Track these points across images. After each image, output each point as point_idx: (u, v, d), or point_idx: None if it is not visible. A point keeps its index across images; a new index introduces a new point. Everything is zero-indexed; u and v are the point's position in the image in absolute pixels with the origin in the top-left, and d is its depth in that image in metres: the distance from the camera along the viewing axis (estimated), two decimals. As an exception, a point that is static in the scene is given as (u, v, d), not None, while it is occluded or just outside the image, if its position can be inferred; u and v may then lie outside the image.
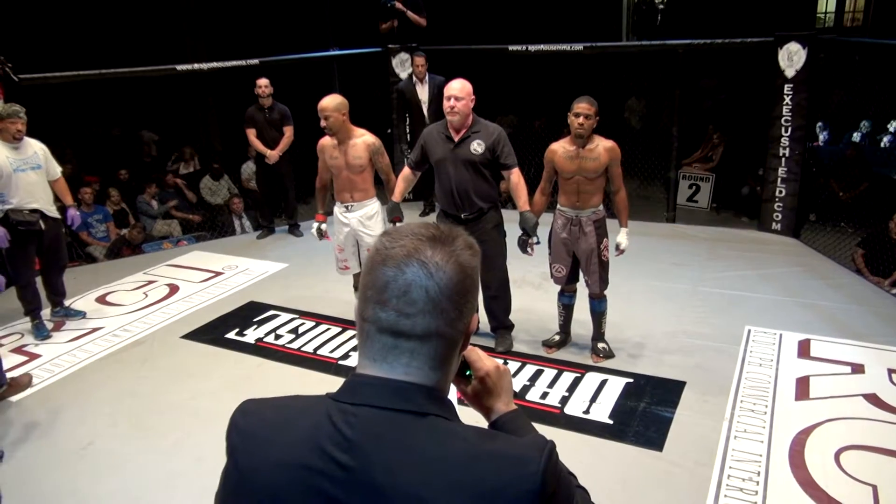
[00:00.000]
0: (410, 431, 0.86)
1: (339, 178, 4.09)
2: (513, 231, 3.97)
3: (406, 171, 4.06)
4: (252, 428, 0.94)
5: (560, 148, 3.77)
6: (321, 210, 4.36)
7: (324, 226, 4.32)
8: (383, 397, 0.88)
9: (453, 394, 1.08)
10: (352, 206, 4.12)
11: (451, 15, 8.28)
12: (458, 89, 3.69)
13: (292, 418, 0.92)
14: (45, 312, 4.71)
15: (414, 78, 6.42)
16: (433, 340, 0.90)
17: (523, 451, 0.86)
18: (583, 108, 3.60)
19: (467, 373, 1.07)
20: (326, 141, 4.05)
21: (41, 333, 4.53)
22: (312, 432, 0.88)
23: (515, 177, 3.83)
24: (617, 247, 3.85)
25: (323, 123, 3.90)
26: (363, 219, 4.13)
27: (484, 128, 3.79)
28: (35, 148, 4.42)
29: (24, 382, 3.91)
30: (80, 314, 4.85)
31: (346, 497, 0.85)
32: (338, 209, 4.18)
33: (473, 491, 0.82)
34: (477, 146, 3.74)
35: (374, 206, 4.17)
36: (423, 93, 6.41)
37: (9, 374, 3.89)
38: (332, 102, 3.91)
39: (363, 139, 3.99)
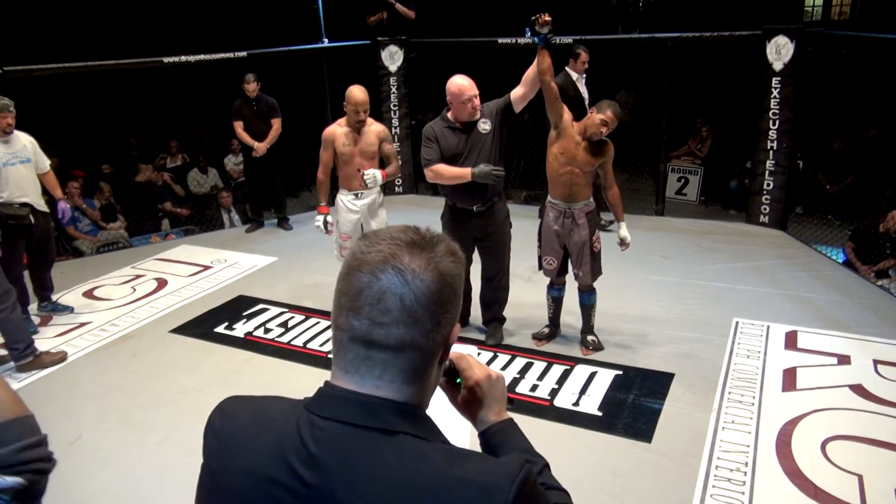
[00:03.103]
0: (377, 451, 0.82)
1: (349, 166, 4.16)
2: (515, 223, 4.01)
3: (440, 165, 3.77)
4: (226, 431, 0.92)
5: (573, 129, 3.73)
6: (325, 201, 4.34)
7: (329, 217, 4.32)
8: (351, 412, 0.84)
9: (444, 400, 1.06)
10: (362, 193, 4.20)
11: (440, 7, 8.26)
12: (472, 86, 3.67)
13: (264, 425, 0.89)
14: (32, 307, 4.67)
15: (575, 73, 5.83)
16: (407, 352, 0.84)
17: (493, 478, 0.80)
18: (610, 119, 3.60)
19: (457, 381, 1.03)
20: (336, 129, 4.12)
21: (60, 308, 4.73)
22: (280, 443, 0.85)
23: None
24: (622, 241, 3.85)
25: (362, 117, 4.05)
26: (373, 206, 4.24)
27: (482, 108, 3.77)
28: (24, 141, 4.38)
29: (56, 358, 4.04)
30: (69, 309, 4.81)
31: None
32: (346, 197, 4.24)
33: None
34: (484, 125, 3.72)
35: (380, 194, 4.33)
36: (583, 88, 5.95)
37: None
38: (366, 95, 4.07)
39: (373, 127, 4.17)
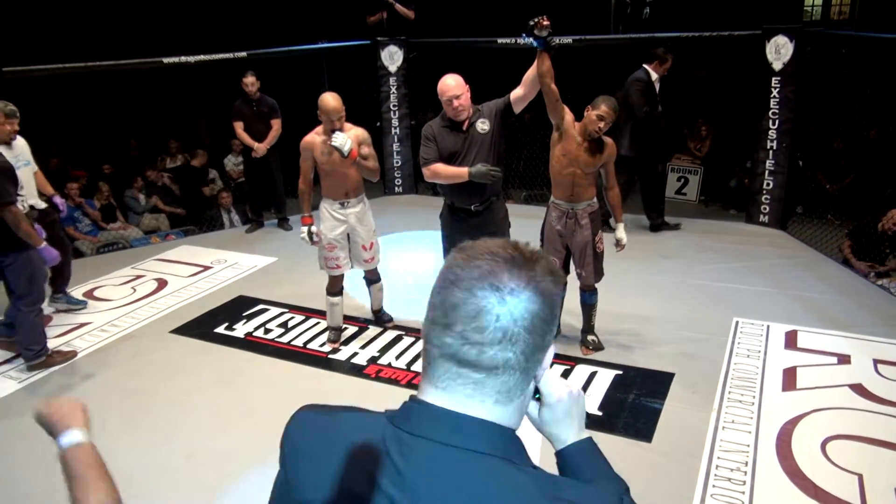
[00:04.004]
0: (468, 474, 0.79)
1: (332, 175, 3.96)
2: (515, 223, 4.00)
3: (438, 164, 3.76)
4: (305, 443, 0.90)
5: (574, 129, 3.73)
6: (308, 212, 4.10)
7: (314, 228, 4.11)
8: (441, 431, 0.81)
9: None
10: (347, 202, 4.01)
11: (439, 7, 8.26)
12: (455, 86, 3.64)
13: (346, 439, 0.87)
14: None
15: (655, 74, 5.82)
16: (501, 373, 0.81)
17: (594, 501, 0.78)
18: (608, 113, 3.60)
19: (536, 396, 0.98)
20: (315, 138, 3.91)
21: (74, 301, 4.82)
22: (365, 459, 0.83)
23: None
24: (618, 242, 3.87)
25: (337, 125, 3.78)
26: (360, 214, 4.06)
27: (481, 108, 3.77)
28: (21, 144, 4.44)
29: (67, 355, 4.11)
30: (83, 303, 4.88)
31: None
32: (330, 206, 4.04)
33: None
34: (482, 125, 3.72)
35: (366, 201, 4.13)
36: (657, 89, 5.96)
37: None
38: (339, 102, 3.81)
39: (352, 132, 3.91)
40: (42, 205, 4.53)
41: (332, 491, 0.84)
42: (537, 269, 0.82)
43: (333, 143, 3.72)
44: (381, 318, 4.43)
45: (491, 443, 0.81)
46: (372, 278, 4.33)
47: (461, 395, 0.82)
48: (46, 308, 4.60)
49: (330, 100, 3.79)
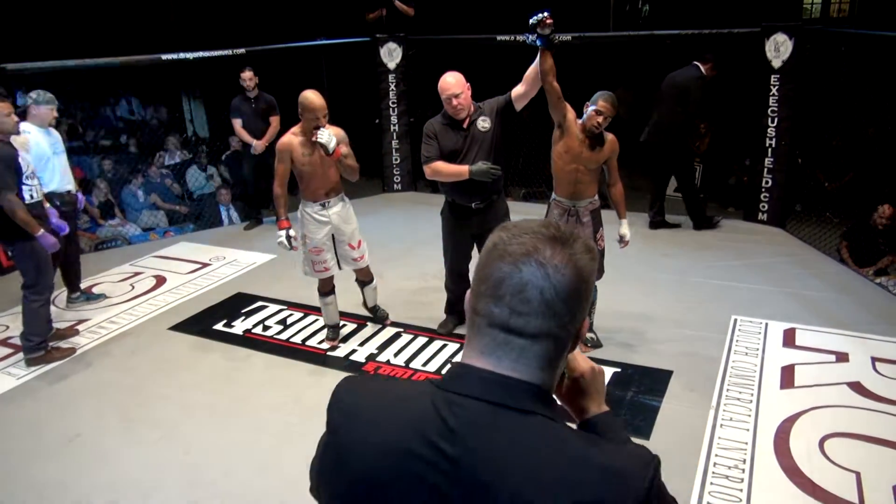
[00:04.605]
0: (516, 429, 0.85)
1: (313, 177, 3.83)
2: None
3: (438, 162, 3.76)
4: (356, 408, 0.94)
5: (576, 127, 3.73)
6: (284, 216, 3.94)
7: (292, 232, 3.95)
8: (491, 391, 0.87)
9: None
10: (328, 202, 3.89)
11: (438, 4, 8.24)
12: (455, 84, 3.64)
13: (396, 402, 0.93)
14: (62, 298, 4.82)
15: (705, 73, 5.86)
16: (543, 341, 0.88)
17: (629, 463, 0.85)
18: (606, 108, 3.59)
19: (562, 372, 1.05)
20: (293, 139, 3.77)
21: (93, 297, 4.91)
22: (417, 419, 0.88)
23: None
24: (621, 238, 3.88)
25: (323, 122, 3.66)
26: (342, 213, 3.94)
27: (482, 106, 3.76)
28: (56, 133, 4.59)
29: (66, 352, 4.13)
30: (101, 296, 4.95)
31: (447, 487, 0.84)
32: (311, 209, 3.89)
33: (576, 498, 0.80)
34: (483, 123, 3.71)
35: (346, 199, 4.01)
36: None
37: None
38: (323, 100, 3.70)
39: (333, 130, 3.76)
40: (75, 189, 4.68)
41: (388, 452, 0.88)
42: (576, 247, 0.89)
43: (319, 140, 3.61)
44: (377, 315, 4.39)
45: (537, 403, 0.88)
46: (365, 280, 4.24)
47: (508, 361, 0.88)
48: (68, 314, 4.68)
49: (314, 97, 3.67)
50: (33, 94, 4.45)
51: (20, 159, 3.87)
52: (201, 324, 4.54)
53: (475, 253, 4.02)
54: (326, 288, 4.11)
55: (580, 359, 1.05)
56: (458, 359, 0.93)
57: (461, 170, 3.65)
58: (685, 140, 5.96)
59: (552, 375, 0.91)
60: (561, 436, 0.86)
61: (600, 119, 3.61)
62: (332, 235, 3.96)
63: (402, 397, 0.93)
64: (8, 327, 4.54)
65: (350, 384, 0.99)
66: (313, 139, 3.65)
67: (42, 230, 3.84)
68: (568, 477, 0.82)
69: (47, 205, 4.32)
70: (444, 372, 0.91)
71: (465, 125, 3.71)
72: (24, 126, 4.35)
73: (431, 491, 0.85)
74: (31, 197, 3.96)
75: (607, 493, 0.81)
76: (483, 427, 0.85)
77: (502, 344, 0.88)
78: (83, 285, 4.96)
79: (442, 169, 3.72)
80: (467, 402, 0.87)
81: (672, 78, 5.91)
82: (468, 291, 0.94)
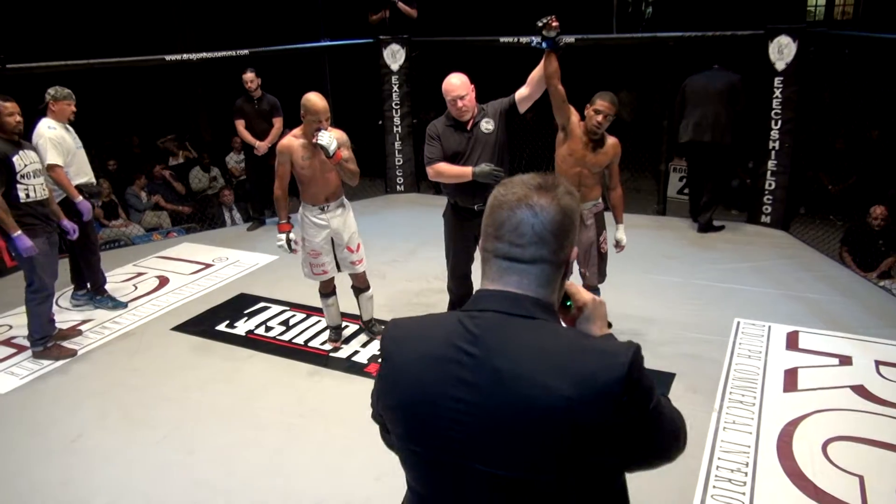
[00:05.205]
0: (524, 329, 1.08)
1: (312, 180, 3.80)
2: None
3: (441, 164, 3.74)
4: (402, 334, 1.20)
5: (580, 129, 3.73)
6: (285, 219, 3.92)
7: (293, 235, 3.92)
8: (502, 304, 1.11)
9: None
10: (328, 206, 3.86)
11: (442, 6, 8.25)
12: (460, 86, 3.62)
13: (431, 326, 1.18)
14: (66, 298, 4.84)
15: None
16: (539, 264, 1.11)
17: (614, 347, 1.08)
18: (605, 107, 3.59)
19: (568, 303, 1.24)
20: (293, 142, 3.74)
21: (117, 303, 4.85)
22: (447, 333, 1.12)
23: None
24: (618, 243, 3.87)
25: (324, 125, 3.63)
26: (341, 216, 3.90)
27: (485, 107, 3.75)
28: (72, 129, 4.64)
29: (67, 352, 4.16)
30: (122, 304, 4.91)
31: (473, 377, 1.07)
32: (310, 213, 3.87)
33: (574, 374, 1.02)
34: (487, 125, 3.70)
35: (346, 203, 3.98)
36: None
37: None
38: (325, 102, 3.67)
39: (335, 133, 3.73)
40: (93, 181, 4.76)
41: (428, 358, 1.12)
42: (558, 191, 1.13)
43: (320, 142, 3.57)
44: (372, 330, 4.25)
45: (538, 310, 1.11)
46: (361, 287, 4.14)
47: (513, 282, 1.13)
48: (73, 314, 4.70)
49: (317, 100, 3.64)
50: (51, 91, 4.50)
51: (15, 158, 3.87)
52: (204, 324, 4.54)
53: (478, 255, 4.01)
54: (327, 289, 4.10)
55: (583, 292, 1.24)
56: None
57: (464, 171, 3.65)
58: (735, 140, 6.00)
59: (551, 292, 1.14)
60: (560, 331, 1.12)
61: (600, 118, 3.60)
62: (332, 239, 3.93)
63: (436, 322, 1.19)
64: (11, 327, 4.55)
65: (397, 323, 1.23)
66: (314, 141, 3.62)
67: (19, 231, 3.82)
68: (567, 358, 1.04)
69: (79, 198, 4.41)
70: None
71: (468, 127, 3.70)
72: (48, 122, 4.45)
73: (461, 381, 1.07)
74: (27, 196, 3.94)
75: (599, 367, 1.03)
76: (498, 330, 1.09)
77: (507, 270, 1.13)
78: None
79: (445, 170, 3.72)
80: (484, 314, 1.11)
81: (706, 80, 5.90)
82: (480, 238, 1.18)
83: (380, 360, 1.20)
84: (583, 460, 1.03)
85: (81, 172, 4.59)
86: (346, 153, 3.73)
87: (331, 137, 3.60)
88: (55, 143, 4.34)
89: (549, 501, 1.07)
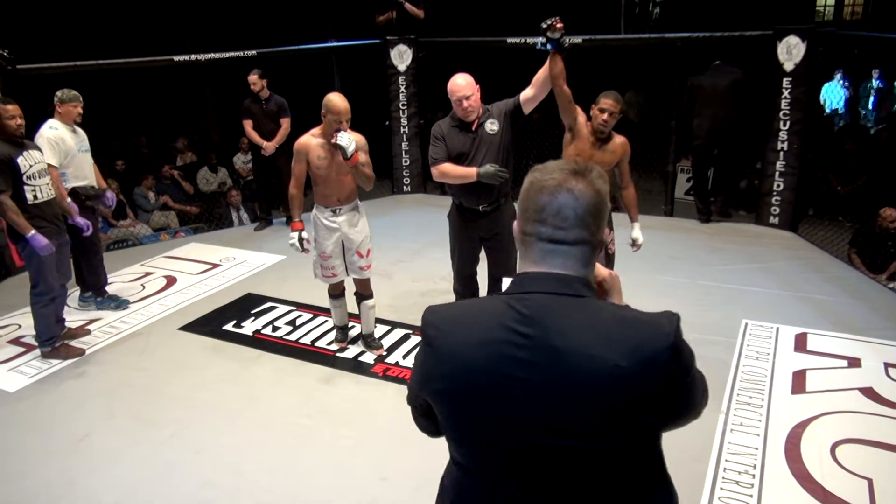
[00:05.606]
0: (573, 307, 1.14)
1: (326, 181, 3.78)
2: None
3: (446, 164, 3.72)
4: (446, 321, 1.21)
5: (587, 129, 3.72)
6: (298, 217, 3.89)
7: (304, 234, 3.89)
8: (550, 285, 1.17)
9: None
10: (340, 209, 3.83)
11: (449, 7, 8.26)
12: (465, 87, 3.61)
13: (476, 311, 1.22)
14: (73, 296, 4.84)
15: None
16: (580, 246, 1.18)
17: (657, 317, 1.15)
18: (609, 104, 3.58)
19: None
20: (311, 141, 3.73)
21: (120, 302, 4.88)
22: (496, 316, 1.16)
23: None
24: (634, 242, 3.86)
25: (344, 126, 3.61)
26: (352, 220, 3.87)
27: (490, 108, 3.75)
28: (82, 132, 4.66)
29: (75, 351, 4.17)
30: (126, 303, 4.93)
31: (530, 356, 1.12)
32: (321, 214, 3.85)
33: (625, 345, 1.09)
34: (492, 126, 3.70)
35: (360, 207, 3.95)
36: None
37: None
38: (347, 103, 3.64)
39: (354, 136, 3.71)
40: (93, 185, 4.71)
41: (481, 343, 1.15)
42: (592, 175, 1.19)
43: (339, 142, 3.55)
44: (370, 345, 4.14)
45: (583, 289, 1.18)
46: (364, 293, 4.06)
47: (557, 263, 1.18)
48: (80, 313, 4.72)
49: (338, 100, 3.63)
50: (58, 93, 4.52)
51: (20, 159, 3.87)
52: (211, 324, 4.56)
53: (483, 255, 4.01)
54: (336, 291, 4.10)
55: (600, 267, 1.30)
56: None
57: (469, 172, 3.64)
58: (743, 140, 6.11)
59: (589, 271, 1.21)
60: (605, 307, 1.19)
61: (605, 116, 3.59)
62: (342, 242, 3.90)
63: (481, 307, 1.23)
64: (20, 326, 4.58)
65: (435, 309, 1.25)
66: (332, 141, 3.59)
67: (33, 231, 3.83)
68: (615, 331, 1.11)
69: (69, 200, 4.39)
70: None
71: (473, 127, 3.70)
72: (51, 122, 4.48)
73: (518, 361, 1.12)
74: (35, 198, 3.94)
75: (646, 337, 1.11)
76: (549, 310, 1.14)
77: (550, 252, 1.18)
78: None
79: (449, 171, 3.71)
80: (533, 296, 1.16)
81: (712, 78, 5.92)
82: (514, 222, 1.25)
83: (423, 349, 1.22)
84: (636, 422, 1.13)
85: (80, 175, 4.55)
86: (363, 157, 3.70)
87: (350, 139, 3.58)
88: (52, 144, 4.35)
89: (606, 466, 1.15)
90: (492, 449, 1.18)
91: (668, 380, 1.12)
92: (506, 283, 1.68)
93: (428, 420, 1.31)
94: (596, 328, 1.12)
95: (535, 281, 1.18)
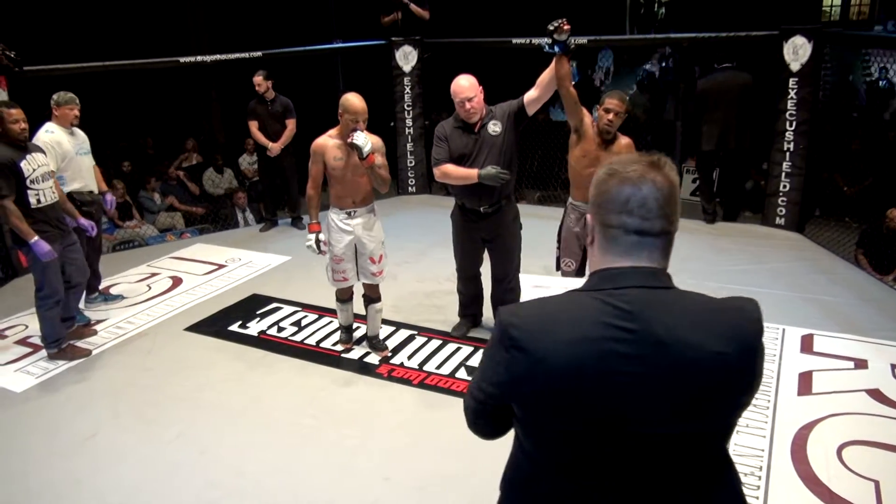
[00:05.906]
0: (668, 299, 1.18)
1: (342, 182, 3.75)
2: (527, 223, 3.96)
3: (448, 165, 3.74)
4: (532, 322, 1.19)
5: (592, 130, 3.72)
6: (316, 219, 3.86)
7: (322, 236, 3.86)
8: (643, 280, 1.19)
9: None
10: (355, 212, 3.80)
11: (454, 8, 8.26)
12: (468, 88, 3.62)
13: (563, 310, 1.20)
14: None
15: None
16: (664, 237, 1.21)
17: (743, 303, 1.21)
18: (614, 104, 3.57)
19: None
20: (327, 141, 3.71)
21: (108, 297, 4.92)
22: (593, 314, 1.16)
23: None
24: None
25: (361, 126, 3.58)
26: (367, 224, 3.84)
27: (494, 109, 3.75)
28: (82, 134, 4.66)
29: (81, 352, 4.18)
30: (119, 297, 4.98)
31: (636, 351, 1.13)
32: (336, 216, 3.81)
33: (723, 331, 1.15)
34: (494, 127, 3.69)
35: (375, 211, 3.92)
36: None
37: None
38: (364, 103, 3.63)
39: (372, 137, 3.67)
40: (92, 188, 4.70)
41: (579, 342, 1.14)
42: (667, 167, 1.21)
43: (355, 142, 3.51)
44: (376, 347, 4.11)
45: (669, 280, 1.22)
46: (372, 296, 4.02)
47: (644, 256, 1.20)
48: (86, 313, 4.71)
49: (355, 100, 3.60)
50: (55, 96, 4.51)
51: (23, 164, 3.86)
52: (217, 325, 4.57)
53: (486, 256, 4.00)
54: (345, 296, 4.06)
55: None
56: (589, 269, 1.28)
57: (470, 173, 3.64)
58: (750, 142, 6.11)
59: (668, 261, 1.24)
60: (694, 297, 1.21)
61: (610, 116, 3.58)
62: (355, 246, 3.87)
63: (568, 305, 1.21)
64: (27, 326, 4.60)
65: (514, 311, 1.23)
66: (349, 140, 3.56)
67: (35, 237, 3.82)
68: (711, 319, 1.16)
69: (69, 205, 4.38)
70: (584, 282, 1.26)
71: (476, 129, 3.70)
72: (48, 126, 4.48)
73: (623, 357, 1.13)
74: (39, 201, 3.93)
75: (741, 322, 1.17)
76: (647, 304, 1.15)
77: (636, 244, 1.19)
78: (101, 286, 5.01)
79: (451, 172, 3.71)
80: (629, 291, 1.17)
81: (723, 82, 5.89)
82: (587, 215, 1.26)
83: (508, 351, 1.19)
84: (737, 403, 1.20)
85: (77, 178, 4.54)
86: (379, 159, 3.67)
87: (366, 139, 3.55)
88: (48, 147, 4.30)
89: (712, 449, 1.23)
90: (594, 444, 1.18)
91: (759, 361, 1.18)
92: (528, 280, 1.71)
93: (494, 423, 1.31)
94: (693, 318, 1.16)
95: (626, 276, 1.19)
